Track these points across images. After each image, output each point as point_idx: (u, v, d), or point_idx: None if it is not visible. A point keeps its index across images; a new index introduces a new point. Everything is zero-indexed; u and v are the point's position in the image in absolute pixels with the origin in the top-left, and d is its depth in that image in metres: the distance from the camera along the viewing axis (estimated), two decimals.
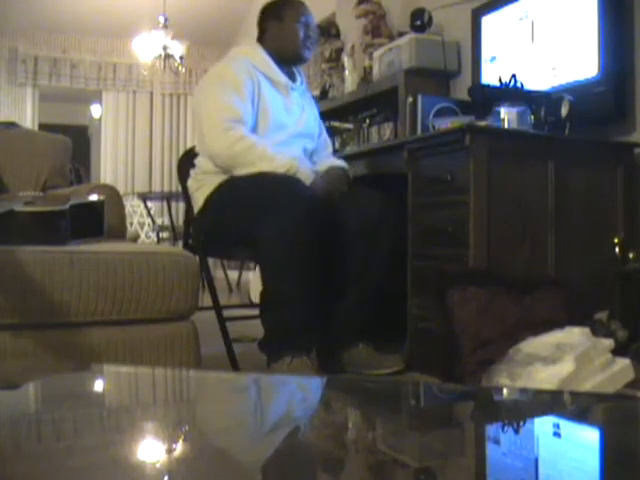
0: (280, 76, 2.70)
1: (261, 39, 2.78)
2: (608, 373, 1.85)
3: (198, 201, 2.64)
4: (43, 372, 1.37)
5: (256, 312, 2.68)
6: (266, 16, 2.78)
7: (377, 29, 3.91)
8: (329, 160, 2.80)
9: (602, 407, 1.00)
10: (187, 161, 2.80)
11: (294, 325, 2.35)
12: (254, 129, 2.58)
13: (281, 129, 2.63)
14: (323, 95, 4.13)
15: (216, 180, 2.56)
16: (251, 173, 2.45)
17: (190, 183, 2.72)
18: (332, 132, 3.11)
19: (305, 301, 2.34)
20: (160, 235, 6.96)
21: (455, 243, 2.39)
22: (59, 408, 0.92)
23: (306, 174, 2.51)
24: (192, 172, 2.72)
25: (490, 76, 3.11)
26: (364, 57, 3.93)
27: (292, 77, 2.78)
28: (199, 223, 2.69)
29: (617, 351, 1.95)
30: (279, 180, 2.42)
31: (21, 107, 8.29)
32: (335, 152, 3.09)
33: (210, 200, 2.58)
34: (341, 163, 2.78)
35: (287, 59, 2.74)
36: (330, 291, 2.56)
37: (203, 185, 2.61)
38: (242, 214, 2.42)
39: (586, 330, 1.97)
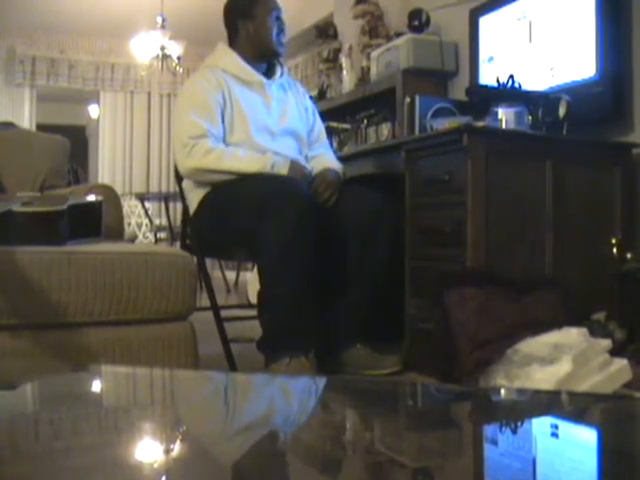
0: (253, 75, 2.67)
1: (232, 40, 2.74)
2: (606, 373, 1.86)
3: (193, 202, 2.64)
4: (41, 372, 1.37)
5: (254, 312, 2.68)
6: (235, 15, 2.73)
7: (375, 29, 3.91)
8: (323, 159, 2.78)
9: (600, 407, 1.00)
10: None
11: (292, 325, 2.35)
12: (228, 137, 2.57)
13: (265, 130, 2.62)
14: (321, 95, 4.14)
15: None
16: (246, 174, 2.45)
17: (185, 184, 2.72)
18: (330, 132, 3.11)
19: (303, 301, 2.34)
20: (158, 235, 6.96)
21: (453, 243, 2.39)
22: (57, 408, 0.92)
23: (283, 165, 2.51)
24: None
25: (488, 76, 3.11)
26: (362, 57, 3.94)
27: (271, 71, 2.75)
28: (195, 224, 2.69)
29: (615, 351, 1.95)
30: (275, 180, 2.42)
31: (19, 107, 8.28)
32: (334, 152, 3.08)
33: (205, 201, 2.58)
34: (335, 164, 2.77)
35: (262, 57, 2.71)
36: (328, 291, 2.56)
37: (198, 186, 2.61)
38: (238, 215, 2.42)
39: (584, 330, 1.97)
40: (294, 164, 2.55)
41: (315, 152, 2.81)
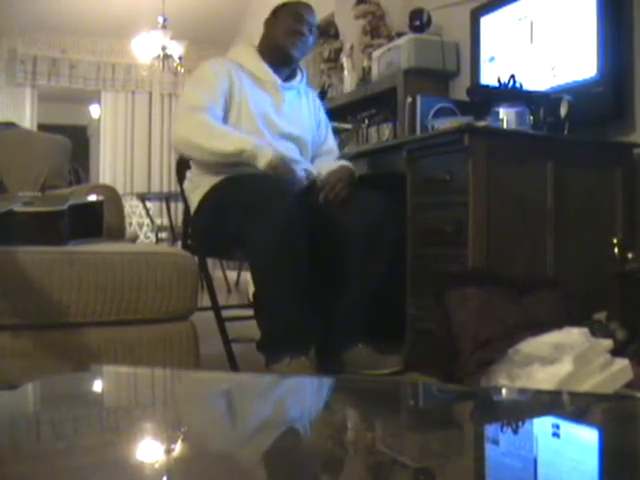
0: (267, 75, 2.68)
1: (262, 37, 2.77)
2: (607, 373, 1.85)
3: (193, 202, 2.65)
4: (42, 372, 1.38)
5: None
6: (270, 14, 2.77)
7: (376, 29, 3.91)
8: (336, 163, 2.76)
9: (601, 407, 1.00)
10: (186, 161, 2.80)
11: (288, 326, 2.35)
12: (228, 122, 2.58)
13: (268, 128, 2.62)
14: (322, 95, 4.13)
15: (211, 182, 2.56)
16: (241, 175, 2.44)
17: (186, 184, 2.72)
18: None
19: (296, 302, 2.33)
20: (159, 235, 6.96)
21: (454, 243, 2.39)
22: (58, 409, 0.92)
23: (266, 153, 2.43)
24: (188, 173, 2.73)
25: (489, 76, 3.11)
26: (363, 57, 3.94)
27: (291, 76, 2.76)
28: (195, 224, 2.69)
29: (616, 351, 1.95)
30: (266, 182, 2.39)
31: (20, 107, 8.28)
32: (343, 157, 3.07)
33: (204, 201, 2.59)
34: (348, 164, 2.76)
35: (275, 58, 2.70)
36: (330, 291, 2.56)
37: (198, 186, 2.62)
38: (232, 216, 2.41)
39: (585, 330, 1.97)
40: (279, 156, 2.46)
41: (324, 160, 2.80)
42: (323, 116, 2.91)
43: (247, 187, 2.38)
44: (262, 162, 2.42)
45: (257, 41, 2.80)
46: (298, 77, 2.79)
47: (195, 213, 2.65)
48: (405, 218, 2.60)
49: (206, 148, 2.45)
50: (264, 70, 2.68)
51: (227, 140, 2.46)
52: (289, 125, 2.69)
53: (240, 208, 2.35)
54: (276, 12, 2.74)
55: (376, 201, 2.59)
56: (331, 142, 2.92)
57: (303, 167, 2.63)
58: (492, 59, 3.19)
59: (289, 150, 2.65)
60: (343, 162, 2.75)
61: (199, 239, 2.73)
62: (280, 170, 2.43)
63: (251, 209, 2.31)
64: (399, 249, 2.59)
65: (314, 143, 2.82)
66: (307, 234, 2.33)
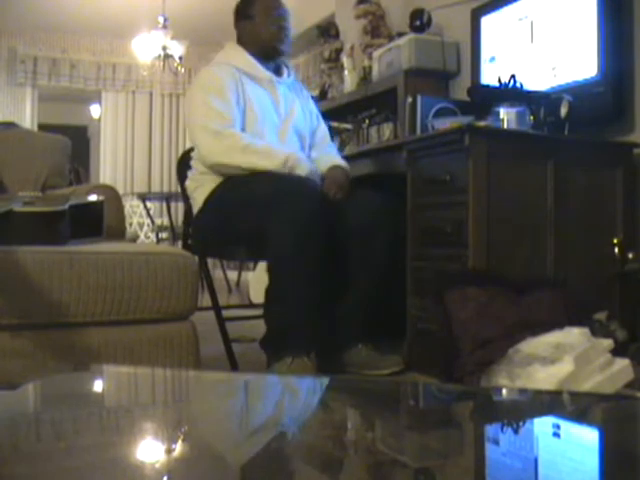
0: (263, 72, 2.69)
1: (239, 42, 2.76)
2: (607, 373, 1.85)
3: (197, 201, 2.64)
4: (42, 372, 1.38)
5: (255, 312, 2.68)
6: (238, 17, 2.77)
7: (376, 29, 3.91)
8: (329, 157, 2.78)
9: (601, 407, 1.00)
10: (186, 161, 2.81)
11: (298, 323, 2.35)
12: (243, 130, 2.58)
13: (271, 128, 2.63)
14: (322, 95, 4.13)
15: (214, 180, 2.57)
16: (253, 172, 2.45)
17: (188, 184, 2.72)
18: (332, 132, 3.11)
19: (310, 299, 2.35)
20: (159, 235, 6.96)
21: (454, 243, 2.39)
22: (58, 409, 0.92)
23: (306, 167, 2.51)
24: (189, 173, 2.72)
25: (489, 76, 3.11)
26: (363, 57, 3.93)
27: (278, 72, 2.77)
28: (199, 223, 2.69)
29: (616, 351, 1.95)
30: (289, 179, 2.42)
31: (20, 107, 8.29)
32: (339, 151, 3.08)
33: (210, 200, 2.58)
34: (341, 162, 2.77)
35: (267, 55, 2.72)
36: (330, 291, 2.56)
37: (201, 185, 2.62)
38: (249, 212, 2.42)
39: (585, 330, 1.97)
40: (312, 167, 2.56)
41: (320, 152, 2.81)
42: (313, 107, 2.93)
43: (270, 184, 2.39)
44: (301, 173, 2.49)
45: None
46: (286, 71, 2.80)
47: (200, 211, 2.64)
48: (404, 218, 2.60)
49: (245, 168, 2.48)
50: (259, 68, 2.69)
51: (266, 159, 2.48)
52: (287, 120, 2.71)
53: (262, 204, 2.36)
54: (248, 12, 2.73)
55: (373, 201, 2.59)
56: (323, 128, 2.93)
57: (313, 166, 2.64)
58: (492, 59, 3.18)
59: (292, 145, 2.66)
60: (336, 160, 2.75)
61: (202, 237, 2.72)
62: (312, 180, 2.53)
63: (275, 205, 2.31)
64: (398, 248, 2.59)
65: (310, 135, 2.83)
66: (325, 234, 2.34)
